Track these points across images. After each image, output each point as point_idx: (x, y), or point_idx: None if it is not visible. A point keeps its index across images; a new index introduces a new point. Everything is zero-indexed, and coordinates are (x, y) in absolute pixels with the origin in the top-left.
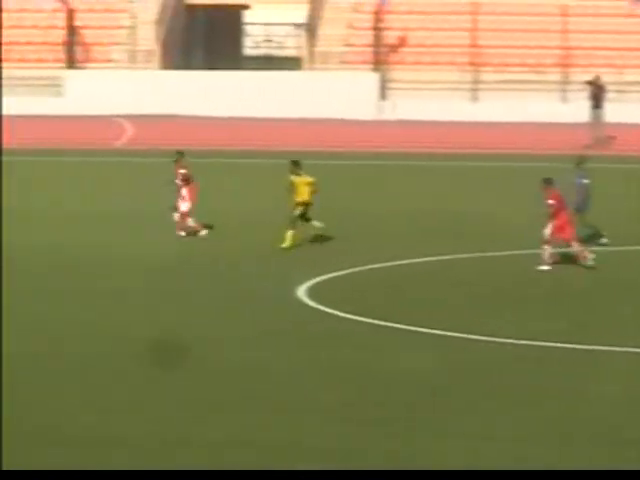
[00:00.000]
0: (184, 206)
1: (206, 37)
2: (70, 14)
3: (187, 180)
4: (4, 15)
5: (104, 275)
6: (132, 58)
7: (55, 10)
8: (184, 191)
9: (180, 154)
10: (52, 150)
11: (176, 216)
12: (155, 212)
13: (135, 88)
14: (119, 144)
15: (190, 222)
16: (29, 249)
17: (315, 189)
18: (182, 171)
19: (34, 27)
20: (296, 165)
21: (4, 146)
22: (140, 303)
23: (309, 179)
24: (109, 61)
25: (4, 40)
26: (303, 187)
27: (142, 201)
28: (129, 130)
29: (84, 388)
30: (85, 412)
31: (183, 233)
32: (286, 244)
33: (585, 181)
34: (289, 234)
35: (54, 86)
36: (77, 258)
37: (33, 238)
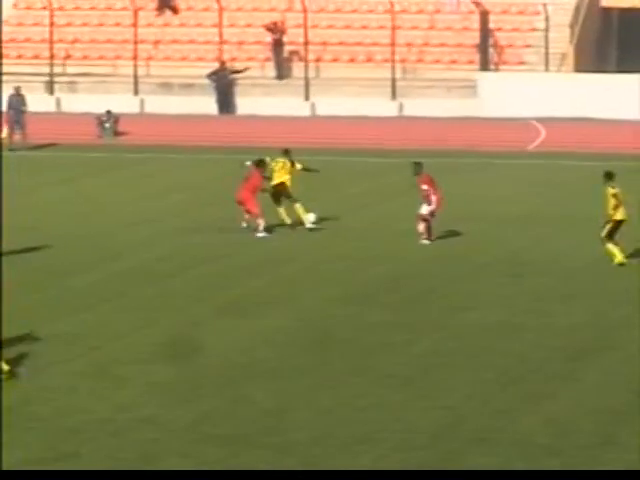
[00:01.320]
0: (425, 209)
1: (620, 40)
2: (484, 16)
3: (434, 186)
4: (420, 17)
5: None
6: (545, 61)
7: (469, 12)
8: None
9: (417, 165)
10: (468, 152)
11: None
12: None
13: (549, 91)
14: (532, 147)
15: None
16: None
17: (617, 203)
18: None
19: (448, 29)
20: (609, 177)
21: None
22: None
23: (613, 191)
24: (522, 63)
25: (418, 42)
26: (609, 200)
27: (559, 204)
28: (543, 133)
29: None
30: None
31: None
32: (618, 259)
33: None
34: (611, 249)
35: (468, 88)
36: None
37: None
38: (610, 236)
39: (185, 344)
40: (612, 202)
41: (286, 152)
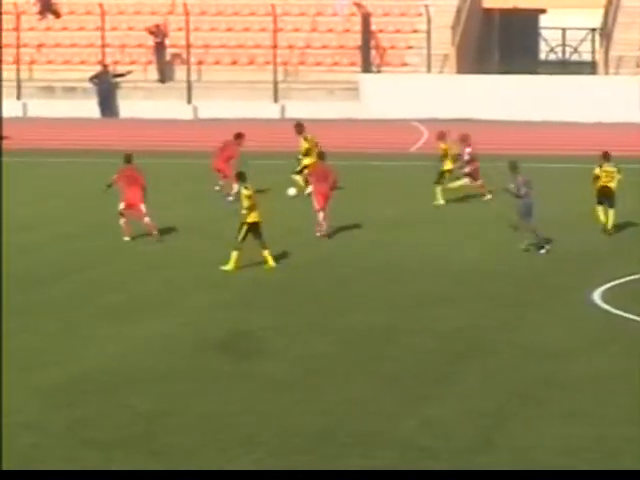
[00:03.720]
0: None
1: (501, 41)
2: (366, 18)
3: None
4: (302, 19)
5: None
6: (428, 62)
7: (351, 14)
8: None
9: None
10: (350, 154)
11: None
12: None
13: (430, 92)
14: (415, 148)
15: None
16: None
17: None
18: None
19: (330, 31)
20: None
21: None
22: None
23: (247, 192)
24: (404, 65)
25: (300, 45)
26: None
27: (441, 206)
28: (425, 134)
29: None
30: None
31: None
32: (229, 267)
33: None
34: (235, 255)
35: (350, 90)
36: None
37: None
38: (244, 239)
39: (63, 349)
40: (245, 203)
41: (299, 126)
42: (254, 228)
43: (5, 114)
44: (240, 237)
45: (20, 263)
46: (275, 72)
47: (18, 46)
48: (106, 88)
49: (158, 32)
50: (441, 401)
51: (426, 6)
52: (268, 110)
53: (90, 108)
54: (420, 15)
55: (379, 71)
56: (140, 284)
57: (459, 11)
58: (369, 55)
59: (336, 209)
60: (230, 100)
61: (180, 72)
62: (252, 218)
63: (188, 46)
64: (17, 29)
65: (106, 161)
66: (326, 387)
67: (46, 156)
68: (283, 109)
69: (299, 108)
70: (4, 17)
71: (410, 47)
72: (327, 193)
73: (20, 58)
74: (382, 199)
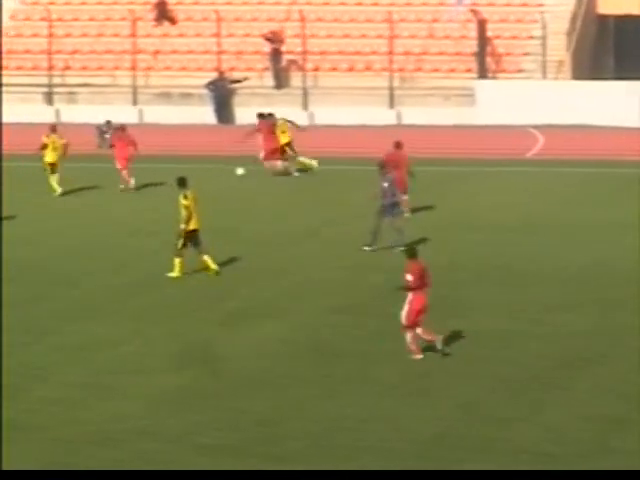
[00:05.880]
0: None
1: (617, 46)
2: (482, 25)
3: None
4: (419, 25)
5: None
6: (543, 68)
7: (467, 21)
8: None
9: None
10: (465, 160)
11: None
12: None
13: (546, 98)
14: (531, 154)
15: None
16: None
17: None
18: None
19: (447, 38)
20: (181, 184)
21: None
22: None
23: (184, 202)
24: (520, 71)
25: (416, 51)
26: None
27: (558, 211)
28: (541, 140)
29: None
30: None
31: None
32: (175, 273)
33: (386, 184)
34: (178, 263)
35: (466, 96)
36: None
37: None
38: (184, 247)
39: (183, 355)
40: (183, 213)
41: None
42: (192, 235)
43: (121, 120)
44: (179, 244)
45: (140, 268)
46: (391, 78)
47: (134, 52)
48: (222, 94)
49: (274, 38)
50: (555, 406)
51: (542, 12)
52: (384, 116)
53: (206, 114)
54: (536, 21)
55: (495, 77)
56: (256, 290)
57: (574, 17)
58: (485, 61)
59: (453, 214)
60: (346, 106)
61: (296, 78)
62: (190, 226)
63: (304, 52)
64: (134, 35)
65: (222, 167)
66: (439, 391)
67: (162, 162)
68: (399, 115)
69: (415, 114)
70: (121, 24)
71: (526, 53)
72: (403, 179)
73: (137, 64)
74: (498, 204)
